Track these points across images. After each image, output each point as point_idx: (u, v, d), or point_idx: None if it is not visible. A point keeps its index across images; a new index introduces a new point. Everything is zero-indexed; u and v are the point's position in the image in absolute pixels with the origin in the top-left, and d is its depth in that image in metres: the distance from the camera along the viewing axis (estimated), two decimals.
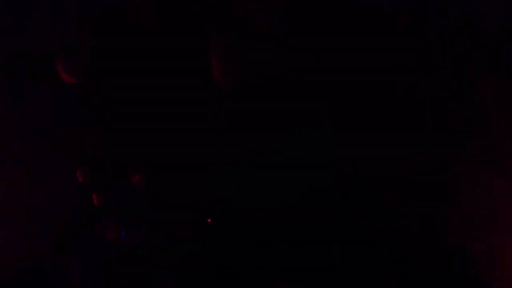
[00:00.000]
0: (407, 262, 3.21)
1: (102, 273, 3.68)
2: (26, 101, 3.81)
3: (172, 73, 3.44)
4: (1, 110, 3.79)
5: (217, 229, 3.64)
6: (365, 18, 3.16)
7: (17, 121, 3.82)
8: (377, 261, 3.32)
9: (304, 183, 3.55)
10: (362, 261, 3.34)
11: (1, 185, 3.79)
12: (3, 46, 3.58)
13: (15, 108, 3.81)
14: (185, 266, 3.54)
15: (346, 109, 3.51)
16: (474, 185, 2.97)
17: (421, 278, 3.07)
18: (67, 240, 3.76)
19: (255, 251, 3.49)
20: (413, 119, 3.31)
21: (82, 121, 3.77)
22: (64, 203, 3.86)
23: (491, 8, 2.83)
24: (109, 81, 3.48)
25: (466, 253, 2.98)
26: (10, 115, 3.82)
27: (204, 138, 3.62)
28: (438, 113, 3.21)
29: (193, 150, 3.63)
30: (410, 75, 3.30)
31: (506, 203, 2.81)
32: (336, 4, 3.11)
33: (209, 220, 3.67)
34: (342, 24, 3.14)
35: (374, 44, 3.16)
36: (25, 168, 3.85)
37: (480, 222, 2.94)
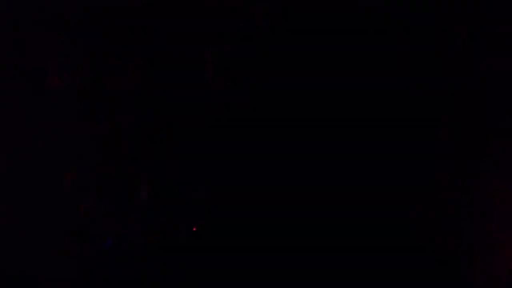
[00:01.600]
0: (400, 261, 3.21)
1: (97, 277, 3.67)
2: (24, 102, 3.83)
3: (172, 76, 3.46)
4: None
5: (209, 232, 3.63)
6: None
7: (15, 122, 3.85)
8: (370, 260, 3.33)
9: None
10: (357, 262, 3.34)
11: None
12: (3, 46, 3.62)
13: (14, 109, 3.83)
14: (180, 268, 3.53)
15: (347, 113, 3.51)
16: (471, 184, 2.98)
17: (414, 277, 3.07)
18: (63, 245, 3.75)
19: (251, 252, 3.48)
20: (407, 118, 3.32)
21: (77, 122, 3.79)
22: (55, 207, 3.86)
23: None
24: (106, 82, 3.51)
25: (460, 253, 2.98)
26: (9, 117, 3.84)
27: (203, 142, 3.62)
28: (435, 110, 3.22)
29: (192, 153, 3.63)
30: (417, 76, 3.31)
31: (502, 203, 2.82)
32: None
33: (194, 229, 3.68)
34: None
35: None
36: (18, 173, 3.87)
37: (476, 221, 2.94)
